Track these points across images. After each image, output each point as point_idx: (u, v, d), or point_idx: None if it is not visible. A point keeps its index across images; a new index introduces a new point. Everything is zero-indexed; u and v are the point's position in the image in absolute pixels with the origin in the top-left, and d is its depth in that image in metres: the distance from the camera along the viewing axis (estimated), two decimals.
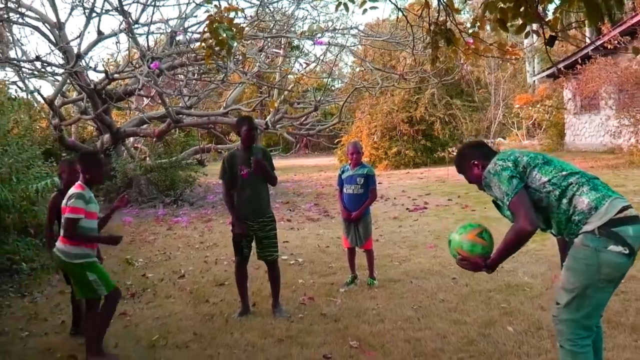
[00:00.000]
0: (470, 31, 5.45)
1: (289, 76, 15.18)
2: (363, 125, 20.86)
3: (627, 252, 2.55)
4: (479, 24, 5.35)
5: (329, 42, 11.26)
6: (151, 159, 14.10)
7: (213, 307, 4.95)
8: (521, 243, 2.80)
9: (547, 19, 4.60)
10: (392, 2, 6.08)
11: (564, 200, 2.68)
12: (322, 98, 12.23)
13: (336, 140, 22.23)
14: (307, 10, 11.87)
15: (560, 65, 19.67)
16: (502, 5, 4.40)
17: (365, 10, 5.29)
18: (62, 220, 3.80)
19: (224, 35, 5.18)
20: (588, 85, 17.83)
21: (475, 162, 3.01)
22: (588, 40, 27.15)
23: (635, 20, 16.24)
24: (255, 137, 4.96)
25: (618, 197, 2.66)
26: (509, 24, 4.58)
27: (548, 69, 22.59)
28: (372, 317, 4.48)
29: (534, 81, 29.01)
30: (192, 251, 7.51)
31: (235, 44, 5.42)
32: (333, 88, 24.55)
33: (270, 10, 11.79)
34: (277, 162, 22.21)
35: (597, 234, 2.58)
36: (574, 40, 22.72)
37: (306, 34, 10.77)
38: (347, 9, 5.23)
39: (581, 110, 21.91)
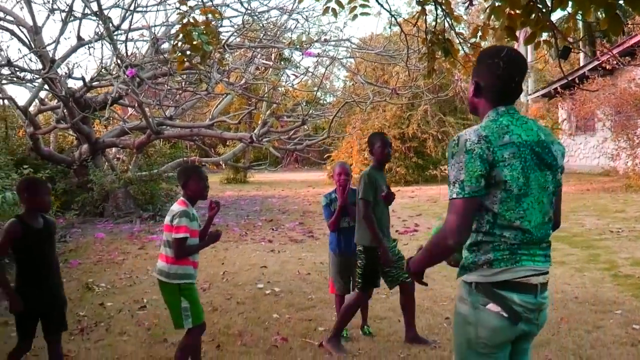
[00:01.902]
0: (471, 41, 4.94)
1: (279, 89, 14.65)
2: (354, 141, 20.36)
3: (506, 315, 2.05)
4: (481, 33, 4.82)
5: (318, 54, 10.73)
6: (131, 171, 13.46)
7: (170, 349, 4.28)
8: (441, 254, 2.18)
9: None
10: (383, 7, 5.55)
11: (480, 236, 2.13)
12: (310, 112, 11.67)
13: (326, 155, 21.70)
14: (298, 21, 11.31)
15: (557, 85, 19.31)
16: (510, 11, 3.88)
17: (355, 16, 4.77)
18: (166, 239, 3.53)
19: (199, 39, 4.62)
20: (585, 105, 17.42)
21: (476, 80, 2.22)
22: (582, 58, 26.94)
23: (634, 40, 15.87)
24: (390, 154, 4.50)
25: (529, 265, 2.09)
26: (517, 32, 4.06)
27: (544, 87, 22.24)
28: None
29: (527, 100, 28.73)
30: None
31: (212, 49, 4.85)
32: (324, 102, 24.07)
33: (258, 18, 11.25)
34: (265, 177, 21.73)
35: (474, 289, 2.11)
36: (590, 51, 22.35)
37: (295, 44, 10.22)
38: (335, 14, 4.70)
39: (576, 131, 21.53)
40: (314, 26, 11.22)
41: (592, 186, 16.32)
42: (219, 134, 13.04)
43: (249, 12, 10.67)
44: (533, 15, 3.77)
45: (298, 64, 14.73)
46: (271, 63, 12.96)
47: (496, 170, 2.06)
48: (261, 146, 11.76)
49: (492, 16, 3.82)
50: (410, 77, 16.70)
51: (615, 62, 15.71)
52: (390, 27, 16.35)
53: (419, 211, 12.53)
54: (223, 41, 9.46)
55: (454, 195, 2.06)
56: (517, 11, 3.80)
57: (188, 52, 4.84)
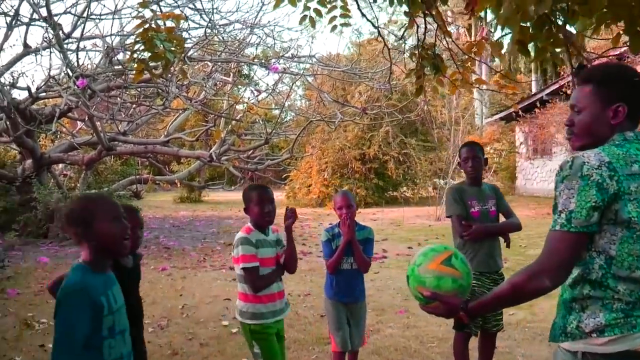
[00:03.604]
0: (464, 57, 4.55)
1: (237, 106, 14.08)
2: (313, 161, 19.96)
3: None
4: (476, 48, 4.43)
5: (284, 69, 10.26)
6: (80, 190, 12.60)
7: None
8: (527, 298, 1.81)
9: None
10: (368, 20, 5.14)
11: (586, 289, 1.74)
12: (273, 131, 11.16)
13: (284, 176, 21.14)
14: (260, 37, 10.83)
15: (518, 108, 19.39)
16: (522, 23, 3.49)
17: (334, 27, 4.34)
18: (237, 273, 3.24)
19: (161, 47, 4.05)
20: (545, 130, 17.50)
21: (621, 108, 1.82)
22: (534, 85, 27.40)
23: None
24: (481, 166, 3.93)
25: None
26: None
27: (502, 110, 22.38)
28: None
29: (482, 123, 28.99)
30: None
31: (175, 59, 4.29)
32: (283, 120, 23.60)
33: (219, 31, 10.71)
34: (220, 196, 20.85)
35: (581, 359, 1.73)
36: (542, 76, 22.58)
37: (260, 58, 9.72)
38: (313, 24, 4.24)
39: (534, 155, 21.70)
40: (275, 42, 10.84)
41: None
42: (176, 152, 12.35)
43: (210, 25, 10.13)
44: (545, 29, 3.43)
45: (258, 80, 14.26)
46: (230, 79, 12.42)
47: (619, 204, 1.67)
48: (221, 165, 11.14)
49: (506, 27, 3.43)
50: (375, 95, 16.41)
51: (574, 86, 15.85)
52: (359, 47, 16.07)
53: (383, 235, 12.09)
54: (184, 53, 8.89)
55: (557, 227, 1.71)
56: (527, 24, 3.43)
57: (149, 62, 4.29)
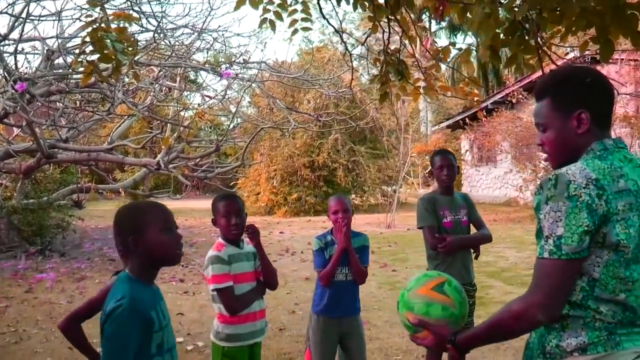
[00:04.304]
0: (429, 63, 4.49)
1: (185, 112, 13.68)
2: (262, 169, 19.71)
3: None
4: (442, 55, 4.38)
5: (236, 75, 10.02)
6: (16, 199, 11.95)
7: None
8: (519, 334, 1.65)
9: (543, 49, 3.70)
10: (330, 25, 5.03)
11: (565, 309, 1.62)
12: (224, 138, 10.90)
13: (232, 183, 20.80)
14: (209, 42, 10.53)
15: (464, 116, 19.78)
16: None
17: (295, 31, 4.23)
18: (212, 293, 2.98)
19: (112, 47, 3.80)
20: (491, 138, 17.86)
21: (583, 115, 1.67)
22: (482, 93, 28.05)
23: (535, 75, 16.48)
24: (455, 174, 3.78)
25: (630, 347, 1.56)
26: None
27: (450, 118, 22.79)
28: None
29: (428, 131, 29.48)
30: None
31: (127, 60, 4.02)
32: (228, 127, 23.28)
33: (167, 35, 10.37)
34: (166, 204, 20.25)
35: None
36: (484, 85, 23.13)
37: (211, 63, 9.46)
38: (273, 27, 4.11)
39: (479, 162, 22.16)
40: (224, 48, 10.55)
41: (498, 217, 16.63)
42: (121, 159, 11.85)
43: (159, 29, 9.79)
44: (517, 35, 3.38)
45: (207, 86, 13.95)
46: (176, 85, 12.05)
47: (608, 227, 1.52)
48: (169, 173, 10.77)
49: (479, 32, 3.35)
50: (324, 103, 16.33)
51: (519, 95, 16.24)
52: (311, 53, 15.98)
53: None
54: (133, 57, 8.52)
55: (546, 255, 1.54)
56: (498, 30, 3.39)
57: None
